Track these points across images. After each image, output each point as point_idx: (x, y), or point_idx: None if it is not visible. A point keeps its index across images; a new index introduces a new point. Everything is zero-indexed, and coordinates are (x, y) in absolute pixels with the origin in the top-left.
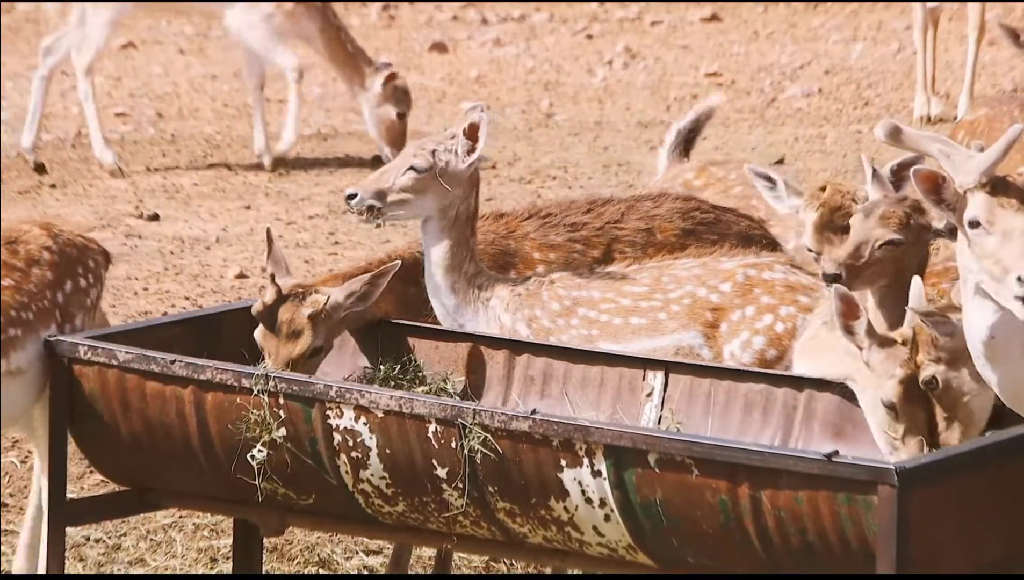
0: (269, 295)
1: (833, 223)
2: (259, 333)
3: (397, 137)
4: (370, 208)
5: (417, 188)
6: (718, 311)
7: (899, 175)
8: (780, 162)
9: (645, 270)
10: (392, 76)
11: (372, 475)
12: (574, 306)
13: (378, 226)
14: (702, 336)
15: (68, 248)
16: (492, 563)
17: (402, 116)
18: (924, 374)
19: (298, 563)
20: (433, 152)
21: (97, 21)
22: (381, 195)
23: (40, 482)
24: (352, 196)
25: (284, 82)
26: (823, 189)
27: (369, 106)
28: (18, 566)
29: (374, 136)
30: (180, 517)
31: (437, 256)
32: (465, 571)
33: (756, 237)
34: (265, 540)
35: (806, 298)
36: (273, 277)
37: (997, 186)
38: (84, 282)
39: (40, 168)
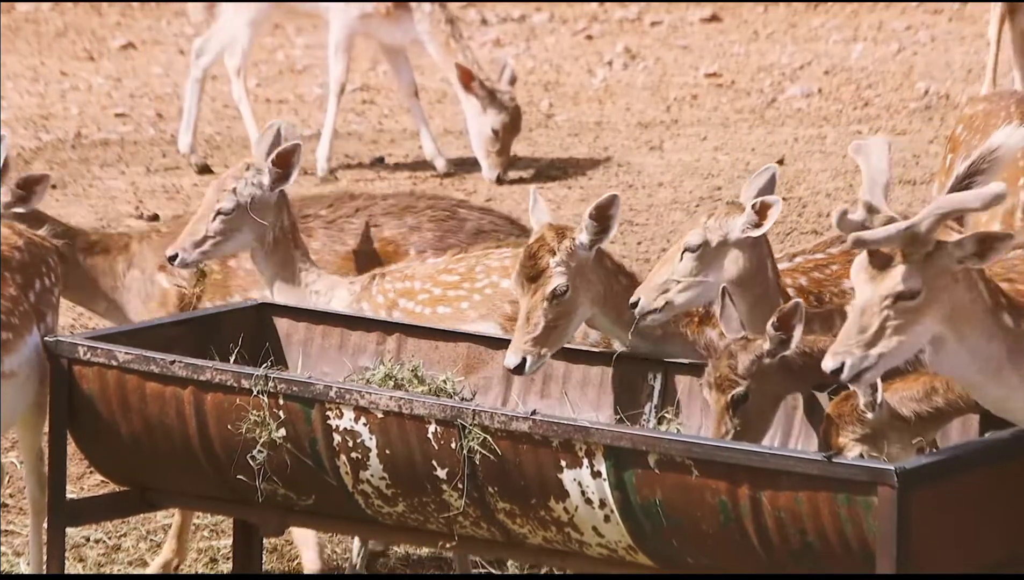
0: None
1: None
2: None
3: (501, 150)
4: (192, 262)
5: (230, 228)
6: (516, 304)
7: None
8: (780, 162)
9: (466, 259)
10: (468, 75)
11: (372, 476)
12: (397, 299)
13: (203, 277)
14: (500, 328)
15: (32, 247)
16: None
17: (505, 127)
18: (851, 455)
19: (298, 563)
20: (235, 190)
21: (239, 22)
22: (198, 245)
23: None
24: (173, 257)
25: (284, 83)
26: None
27: (472, 114)
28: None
29: (473, 145)
30: None
31: (271, 280)
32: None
33: (488, 231)
34: (265, 540)
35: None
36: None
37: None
38: (48, 281)
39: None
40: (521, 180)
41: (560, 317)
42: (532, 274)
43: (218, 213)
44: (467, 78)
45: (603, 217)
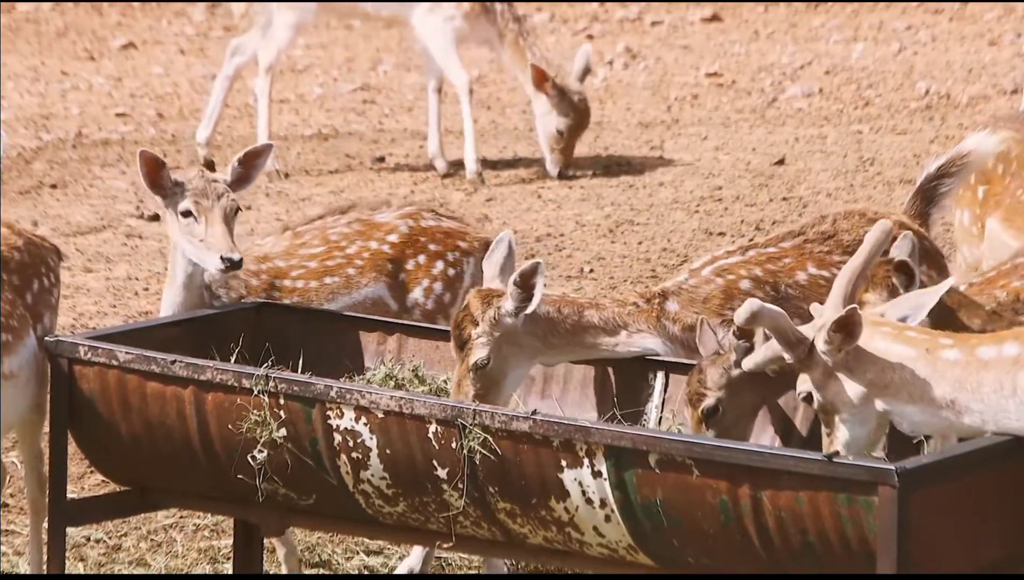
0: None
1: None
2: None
3: (564, 148)
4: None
5: None
6: (395, 262)
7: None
8: (781, 162)
9: (309, 233)
10: (542, 75)
11: (372, 475)
12: (272, 279)
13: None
14: (387, 288)
15: (31, 247)
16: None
17: (570, 129)
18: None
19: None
20: (229, 190)
21: (283, 22)
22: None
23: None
24: (240, 260)
25: (285, 82)
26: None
27: (540, 113)
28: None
29: (539, 140)
30: (181, 517)
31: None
32: (466, 571)
33: None
34: (265, 540)
35: (463, 242)
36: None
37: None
38: (47, 282)
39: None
40: (521, 181)
41: (489, 385)
42: (459, 344)
43: (236, 211)
44: (541, 78)
45: (527, 285)
